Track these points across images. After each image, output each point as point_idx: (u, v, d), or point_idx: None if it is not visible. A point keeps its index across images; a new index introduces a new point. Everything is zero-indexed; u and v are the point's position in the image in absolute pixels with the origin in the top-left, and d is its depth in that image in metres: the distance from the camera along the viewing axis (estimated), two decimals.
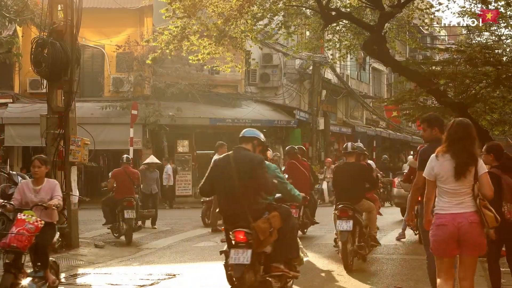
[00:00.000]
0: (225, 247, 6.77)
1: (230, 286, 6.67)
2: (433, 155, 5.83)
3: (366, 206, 9.94)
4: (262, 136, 7.03)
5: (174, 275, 9.35)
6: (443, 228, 5.65)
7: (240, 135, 6.99)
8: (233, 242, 6.57)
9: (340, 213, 9.30)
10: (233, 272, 6.52)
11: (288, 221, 6.88)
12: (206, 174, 6.90)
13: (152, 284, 8.69)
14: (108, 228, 13.57)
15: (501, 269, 9.57)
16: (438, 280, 5.81)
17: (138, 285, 8.60)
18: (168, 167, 23.84)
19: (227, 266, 6.70)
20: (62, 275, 9.51)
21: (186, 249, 12.00)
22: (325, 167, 26.22)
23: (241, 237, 6.51)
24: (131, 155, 23.59)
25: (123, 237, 13.29)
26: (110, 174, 14.45)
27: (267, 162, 7.12)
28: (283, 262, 6.84)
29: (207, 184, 6.86)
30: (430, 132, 6.94)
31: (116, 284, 8.72)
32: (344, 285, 8.55)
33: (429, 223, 5.83)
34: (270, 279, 6.70)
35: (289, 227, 6.90)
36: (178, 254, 11.44)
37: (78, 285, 8.94)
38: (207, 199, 14.55)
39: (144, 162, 17.32)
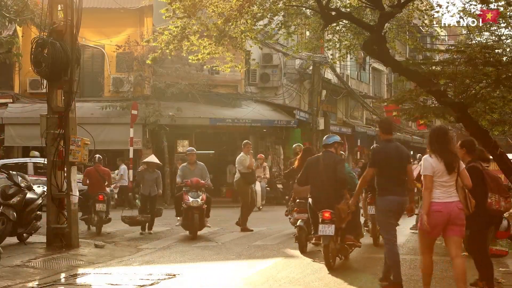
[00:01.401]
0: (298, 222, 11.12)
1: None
2: (427, 156, 7.22)
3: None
4: (338, 138, 10.21)
5: (174, 275, 9.35)
6: (439, 214, 7.01)
7: (324, 143, 9.98)
8: (320, 219, 9.34)
9: (323, 217, 9.47)
10: (322, 241, 9.40)
11: (357, 206, 10.17)
12: (303, 170, 10.05)
13: (152, 284, 8.69)
14: (80, 219, 14.05)
15: (500, 269, 9.60)
16: (422, 255, 7.40)
17: (138, 285, 8.60)
18: (122, 167, 23.36)
19: (300, 237, 11.11)
20: (62, 275, 9.52)
21: (186, 249, 12.01)
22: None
23: (327, 215, 9.27)
24: (131, 155, 23.71)
25: (122, 237, 13.65)
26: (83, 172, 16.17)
27: (346, 165, 10.30)
28: (353, 235, 10.24)
29: (303, 177, 10.02)
30: (381, 133, 8.48)
31: (116, 284, 8.72)
32: (344, 285, 8.55)
33: (429, 212, 7.02)
34: (346, 246, 9.99)
35: (358, 210, 10.56)
36: (178, 254, 11.44)
37: (78, 285, 8.94)
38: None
39: (143, 161, 16.30)
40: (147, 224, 14.65)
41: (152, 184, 14.92)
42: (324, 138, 10.17)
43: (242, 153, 15.46)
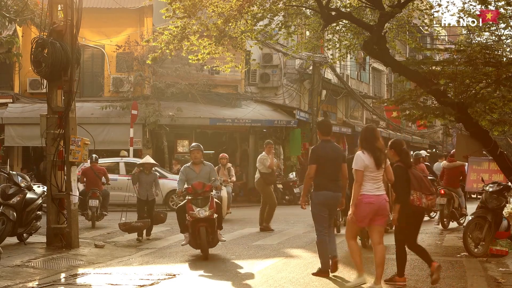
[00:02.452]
0: None
1: None
2: (359, 152, 8.01)
3: None
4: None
5: (174, 275, 9.35)
6: (370, 205, 7.88)
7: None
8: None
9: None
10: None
11: None
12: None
13: (152, 284, 8.69)
14: (80, 214, 14.77)
15: (500, 269, 9.61)
16: (350, 240, 8.20)
17: (138, 285, 8.60)
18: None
19: None
20: (62, 275, 9.52)
21: (186, 249, 12.00)
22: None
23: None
24: (131, 155, 23.71)
25: (122, 237, 13.66)
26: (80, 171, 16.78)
27: None
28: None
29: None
30: (319, 134, 9.16)
31: (116, 284, 8.72)
32: (344, 285, 8.55)
33: (360, 202, 7.89)
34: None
35: None
36: (178, 254, 11.44)
37: (78, 285, 8.94)
38: None
39: (138, 163, 14.81)
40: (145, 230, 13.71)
41: (149, 187, 13.80)
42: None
43: (263, 153, 15.41)
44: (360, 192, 7.89)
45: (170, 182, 21.00)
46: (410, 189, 8.19)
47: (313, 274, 8.98)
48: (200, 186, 11.04)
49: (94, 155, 16.67)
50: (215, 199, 11.34)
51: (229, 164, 18.01)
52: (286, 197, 24.77)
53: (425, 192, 8.26)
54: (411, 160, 8.56)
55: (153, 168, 14.24)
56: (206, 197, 11.00)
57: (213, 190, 11.48)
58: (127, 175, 19.74)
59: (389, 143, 8.55)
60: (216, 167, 15.05)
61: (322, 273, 8.88)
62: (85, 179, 16.66)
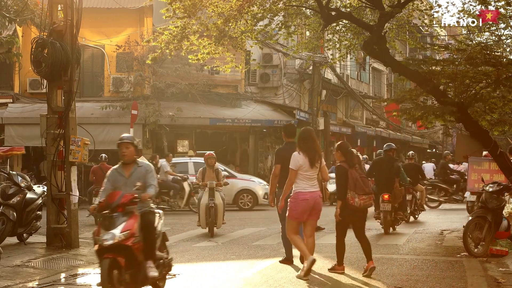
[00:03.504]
0: None
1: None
2: (295, 153, 8.66)
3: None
4: (393, 145, 14.93)
5: (174, 275, 9.34)
6: (305, 202, 8.61)
7: (384, 149, 14.72)
8: (381, 200, 13.83)
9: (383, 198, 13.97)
10: (382, 215, 13.95)
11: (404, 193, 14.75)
12: (370, 167, 14.84)
13: None
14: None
15: (500, 269, 9.61)
16: (292, 235, 8.84)
17: None
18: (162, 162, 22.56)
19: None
20: (62, 275, 9.52)
21: (186, 249, 12.01)
22: None
23: (386, 197, 13.84)
24: None
25: None
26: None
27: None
28: (402, 211, 14.54)
29: (371, 172, 14.38)
30: (284, 137, 9.75)
31: None
32: (344, 285, 8.55)
33: (296, 199, 8.64)
34: (398, 218, 14.43)
35: (405, 196, 14.96)
36: (178, 254, 11.43)
37: (78, 285, 8.94)
38: None
39: None
40: None
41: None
42: (384, 146, 14.84)
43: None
44: (296, 190, 8.63)
45: (239, 182, 21.46)
46: (347, 188, 8.92)
47: (280, 261, 9.91)
48: (113, 198, 7.43)
49: (103, 155, 17.89)
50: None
51: (218, 165, 15.29)
52: None
53: (358, 192, 8.90)
54: (355, 159, 9.34)
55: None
56: (124, 214, 7.33)
57: (149, 203, 7.87)
58: (195, 175, 19.97)
59: (336, 145, 9.48)
60: (201, 168, 14.61)
61: (287, 261, 9.81)
62: (94, 178, 17.64)
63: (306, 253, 8.66)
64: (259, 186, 21.88)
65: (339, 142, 9.68)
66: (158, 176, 20.36)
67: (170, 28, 14.59)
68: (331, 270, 9.28)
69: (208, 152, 14.87)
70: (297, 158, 8.62)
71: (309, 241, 8.84)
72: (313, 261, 8.60)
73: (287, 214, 8.86)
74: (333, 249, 11.50)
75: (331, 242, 12.62)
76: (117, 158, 8.17)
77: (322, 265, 9.99)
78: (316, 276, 9.07)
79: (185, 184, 20.33)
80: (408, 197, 15.67)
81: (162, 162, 20.72)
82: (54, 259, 10.48)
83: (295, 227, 8.85)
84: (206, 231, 14.24)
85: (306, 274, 8.58)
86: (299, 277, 8.62)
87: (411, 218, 16.50)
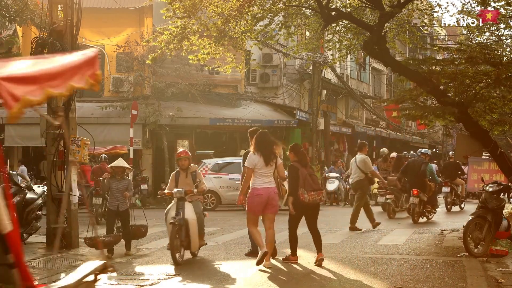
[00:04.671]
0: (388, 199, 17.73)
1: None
2: (251, 153, 9.59)
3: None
4: (427, 151, 18.40)
5: (174, 275, 9.35)
6: (260, 196, 9.40)
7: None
8: (411, 194, 16.10)
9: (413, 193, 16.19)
10: (411, 206, 16.21)
11: (435, 188, 17.46)
12: (403, 168, 17.17)
13: (152, 284, 8.69)
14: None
15: (500, 269, 9.61)
16: (251, 227, 9.56)
17: (138, 285, 8.60)
18: (23, 168, 21.98)
19: (387, 207, 17.68)
20: (62, 275, 9.51)
21: None
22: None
23: (415, 192, 15.95)
24: (131, 155, 23.70)
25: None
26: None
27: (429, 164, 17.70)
28: (430, 205, 16.88)
29: (404, 172, 17.00)
30: (251, 140, 10.15)
31: (116, 284, 8.72)
32: (344, 285, 8.56)
33: (252, 195, 9.44)
34: (425, 211, 16.59)
35: (435, 191, 17.59)
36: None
37: None
38: None
39: (109, 166, 12.59)
40: (126, 245, 11.73)
41: (120, 196, 11.43)
42: (421, 150, 19.00)
43: (362, 154, 15.45)
44: (252, 186, 9.42)
45: None
46: (298, 185, 9.74)
47: (246, 254, 10.71)
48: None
49: (103, 155, 18.50)
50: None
51: (195, 167, 11.60)
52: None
53: (307, 188, 9.73)
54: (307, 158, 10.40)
55: (125, 173, 12.02)
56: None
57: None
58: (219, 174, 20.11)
59: (289, 147, 10.38)
60: (173, 172, 11.45)
61: (253, 253, 10.36)
62: (94, 178, 17.96)
63: (261, 245, 9.42)
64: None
65: (292, 144, 10.58)
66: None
67: (170, 28, 14.59)
68: (285, 260, 10.02)
69: (180, 150, 11.97)
70: (253, 158, 9.48)
71: (268, 233, 9.58)
72: (265, 253, 9.30)
73: (246, 208, 9.71)
74: (333, 248, 11.62)
75: (331, 242, 12.66)
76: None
77: (322, 265, 9.99)
78: (316, 277, 9.08)
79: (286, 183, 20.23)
80: (446, 189, 19.85)
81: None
82: (54, 259, 10.48)
83: (254, 219, 9.59)
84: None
85: (258, 263, 9.34)
86: (257, 263, 9.37)
87: (454, 208, 20.40)
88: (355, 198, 15.58)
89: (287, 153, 10.56)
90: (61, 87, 3.80)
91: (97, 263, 4.43)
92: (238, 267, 10.09)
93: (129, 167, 12.50)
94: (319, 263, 9.70)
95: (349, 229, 14.65)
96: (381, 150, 22.39)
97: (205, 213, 11.32)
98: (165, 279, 9.08)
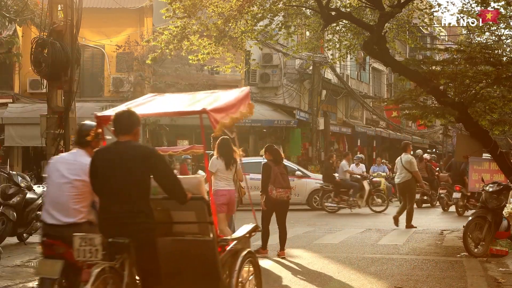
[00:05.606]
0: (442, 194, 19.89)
1: None
2: (214, 157, 10.16)
3: None
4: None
5: None
6: (224, 196, 9.96)
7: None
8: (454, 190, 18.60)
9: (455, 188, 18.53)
10: (454, 201, 18.66)
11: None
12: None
13: None
14: None
15: (500, 269, 9.61)
16: (225, 227, 9.87)
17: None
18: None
19: (443, 201, 20.25)
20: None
21: None
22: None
23: (457, 188, 18.34)
24: None
25: None
26: None
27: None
28: (473, 198, 17.47)
29: (449, 169, 20.40)
30: (213, 146, 10.58)
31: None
32: (344, 285, 8.56)
33: (216, 195, 9.80)
34: (468, 204, 18.27)
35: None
36: None
37: None
38: None
39: None
40: None
41: None
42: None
43: (407, 154, 15.56)
44: (215, 188, 9.93)
45: (312, 181, 21.31)
46: (269, 182, 10.62)
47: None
48: None
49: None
50: None
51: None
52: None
53: (276, 185, 10.57)
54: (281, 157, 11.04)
55: None
56: None
57: None
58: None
59: (264, 147, 11.32)
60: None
61: None
62: None
63: None
64: None
65: (266, 145, 11.50)
66: (337, 175, 20.53)
67: (170, 28, 14.59)
68: (256, 252, 10.21)
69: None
70: (215, 162, 10.13)
71: (224, 232, 10.06)
72: None
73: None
74: (333, 248, 11.62)
75: (331, 242, 12.67)
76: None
77: (322, 265, 10.01)
78: (316, 277, 9.08)
79: (365, 183, 20.32)
80: (457, 195, 19.50)
81: (342, 161, 20.87)
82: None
83: (223, 218, 10.03)
84: None
85: None
86: None
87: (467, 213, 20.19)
88: (403, 199, 15.57)
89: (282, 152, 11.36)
90: (236, 113, 6.25)
91: (250, 226, 6.68)
92: None
93: None
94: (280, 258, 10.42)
95: (405, 227, 14.98)
96: (417, 151, 23.30)
97: None
98: None
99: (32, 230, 12.19)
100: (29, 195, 12.02)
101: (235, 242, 6.13)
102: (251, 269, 6.26)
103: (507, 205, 10.83)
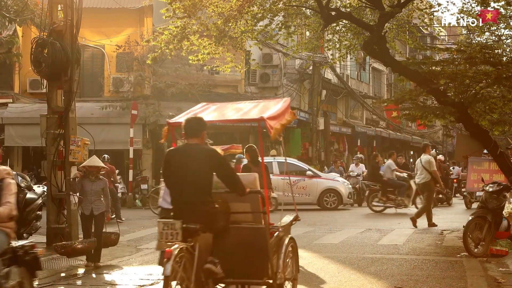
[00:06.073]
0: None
1: None
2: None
3: None
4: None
5: None
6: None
7: None
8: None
9: None
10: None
11: None
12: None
13: (152, 284, 8.70)
14: None
15: (500, 269, 9.61)
16: None
17: (138, 285, 8.61)
18: None
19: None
20: (62, 275, 9.51)
21: None
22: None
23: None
24: (131, 155, 23.71)
25: (122, 237, 13.55)
26: None
27: None
28: None
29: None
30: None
31: (116, 284, 8.73)
32: (344, 285, 8.56)
33: None
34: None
35: None
36: None
37: (78, 285, 8.94)
38: None
39: (81, 165, 11.06)
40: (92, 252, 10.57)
41: (95, 198, 10.55)
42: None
43: (427, 155, 15.64)
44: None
45: (323, 181, 21.35)
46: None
47: None
48: None
49: (106, 155, 17.91)
50: None
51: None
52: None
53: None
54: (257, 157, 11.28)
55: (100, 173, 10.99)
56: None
57: None
58: (280, 175, 19.88)
59: (245, 148, 11.59)
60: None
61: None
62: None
63: None
64: (344, 186, 21.65)
65: (246, 146, 11.64)
66: (382, 173, 20.55)
67: (170, 28, 14.59)
68: None
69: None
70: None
71: None
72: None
73: None
74: (333, 248, 11.61)
75: (331, 242, 12.67)
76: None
77: (322, 265, 10.00)
78: (316, 277, 9.08)
79: (412, 182, 20.01)
80: None
81: (388, 161, 20.80)
82: (54, 259, 10.47)
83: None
84: None
85: None
86: None
87: None
88: (422, 199, 15.97)
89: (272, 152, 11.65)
90: (283, 120, 7.28)
91: (291, 216, 7.64)
92: None
93: (104, 166, 11.48)
94: None
95: (427, 226, 15.15)
96: (431, 152, 23.26)
97: None
98: None
99: (32, 230, 12.18)
100: (29, 195, 12.01)
101: (281, 229, 7.14)
102: (292, 252, 7.23)
103: (507, 205, 10.84)
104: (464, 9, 15.78)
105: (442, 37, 35.36)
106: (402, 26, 16.79)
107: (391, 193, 19.90)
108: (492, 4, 14.21)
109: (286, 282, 7.04)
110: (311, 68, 29.34)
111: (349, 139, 34.98)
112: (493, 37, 16.32)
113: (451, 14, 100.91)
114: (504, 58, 13.74)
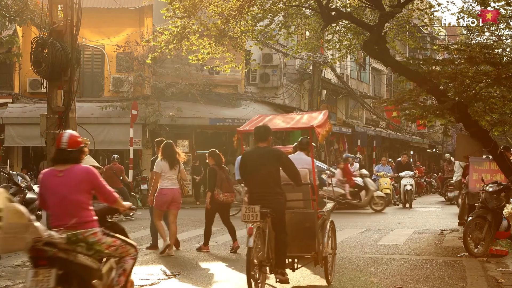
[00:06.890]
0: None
1: None
2: (158, 159, 11.34)
3: None
4: None
5: (174, 275, 9.36)
6: (166, 195, 11.19)
7: None
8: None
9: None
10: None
11: None
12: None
13: (152, 284, 8.69)
14: None
15: (500, 269, 9.61)
16: (157, 221, 11.31)
17: (138, 285, 8.59)
18: None
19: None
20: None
21: (186, 249, 12.01)
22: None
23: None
24: (131, 155, 23.72)
25: None
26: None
27: None
28: None
29: None
30: (157, 149, 11.73)
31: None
32: (344, 285, 8.56)
33: (159, 194, 11.19)
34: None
35: None
36: (178, 254, 11.44)
37: None
38: None
39: None
40: None
41: None
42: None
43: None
44: (160, 187, 11.18)
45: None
46: (215, 185, 11.54)
47: (147, 248, 11.78)
48: None
49: (115, 155, 18.97)
50: None
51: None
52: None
53: (223, 190, 11.57)
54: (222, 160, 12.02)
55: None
56: None
57: None
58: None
59: (208, 153, 12.08)
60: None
61: (153, 247, 11.79)
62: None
63: (164, 237, 11.21)
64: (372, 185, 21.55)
65: (210, 150, 12.14)
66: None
67: (170, 28, 14.59)
68: (199, 249, 11.58)
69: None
70: (160, 164, 11.25)
71: (172, 227, 11.29)
72: (167, 245, 11.04)
73: (154, 205, 11.34)
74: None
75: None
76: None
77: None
78: (315, 277, 9.08)
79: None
80: None
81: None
82: None
83: (160, 214, 11.34)
84: None
85: (161, 253, 11.12)
86: (160, 253, 11.13)
87: None
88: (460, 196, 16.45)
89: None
90: (327, 127, 8.94)
91: (332, 204, 9.53)
92: (239, 266, 10.08)
93: (99, 166, 11.53)
94: (235, 250, 11.42)
95: (457, 224, 15.42)
96: (445, 155, 25.07)
97: None
98: (165, 279, 9.08)
99: None
100: (29, 195, 12.01)
101: (324, 214, 8.67)
102: (332, 232, 8.80)
103: (507, 205, 10.84)
104: (464, 9, 15.79)
105: (442, 37, 35.36)
106: (402, 26, 16.79)
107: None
108: (492, 4, 14.22)
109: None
110: (311, 68, 29.35)
111: (349, 139, 34.97)
112: (493, 37, 16.32)
113: (451, 14, 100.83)
114: (504, 58, 13.73)
